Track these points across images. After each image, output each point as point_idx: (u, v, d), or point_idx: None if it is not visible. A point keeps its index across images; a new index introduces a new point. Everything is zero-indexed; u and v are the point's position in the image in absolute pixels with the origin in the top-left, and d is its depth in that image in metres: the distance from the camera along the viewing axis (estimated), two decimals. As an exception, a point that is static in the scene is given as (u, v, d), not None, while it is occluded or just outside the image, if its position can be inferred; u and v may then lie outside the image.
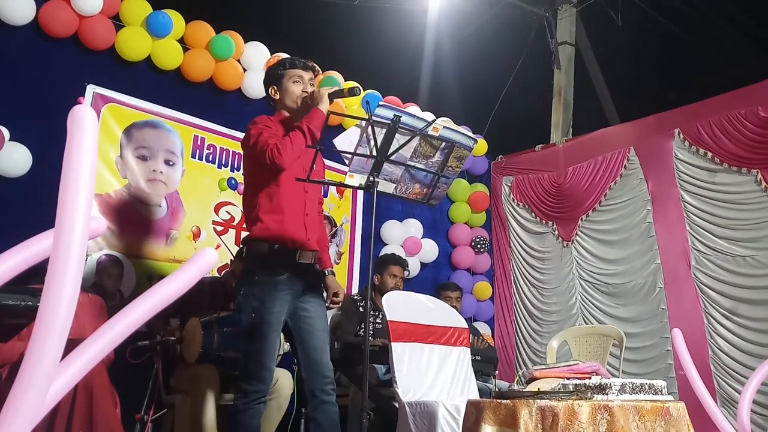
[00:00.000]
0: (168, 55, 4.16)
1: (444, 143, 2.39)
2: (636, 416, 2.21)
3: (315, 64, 2.87)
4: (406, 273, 4.45)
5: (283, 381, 3.43)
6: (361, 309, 3.93)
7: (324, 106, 2.64)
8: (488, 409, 2.23)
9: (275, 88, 2.83)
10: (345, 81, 4.94)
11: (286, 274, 2.64)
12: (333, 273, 2.92)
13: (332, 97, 2.67)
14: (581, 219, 5.35)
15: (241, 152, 4.48)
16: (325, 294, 2.85)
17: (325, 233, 3.02)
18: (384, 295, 3.30)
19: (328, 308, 2.86)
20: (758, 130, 4.25)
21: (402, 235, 5.31)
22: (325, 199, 4.06)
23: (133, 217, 4.00)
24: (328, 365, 2.69)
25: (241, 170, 3.05)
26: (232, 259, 3.82)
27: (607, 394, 2.26)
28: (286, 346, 3.37)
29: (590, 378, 2.45)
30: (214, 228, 4.34)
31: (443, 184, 2.52)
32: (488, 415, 2.22)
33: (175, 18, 4.15)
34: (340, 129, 4.18)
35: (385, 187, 2.44)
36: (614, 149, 5.17)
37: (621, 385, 2.31)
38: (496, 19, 6.51)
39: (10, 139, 3.53)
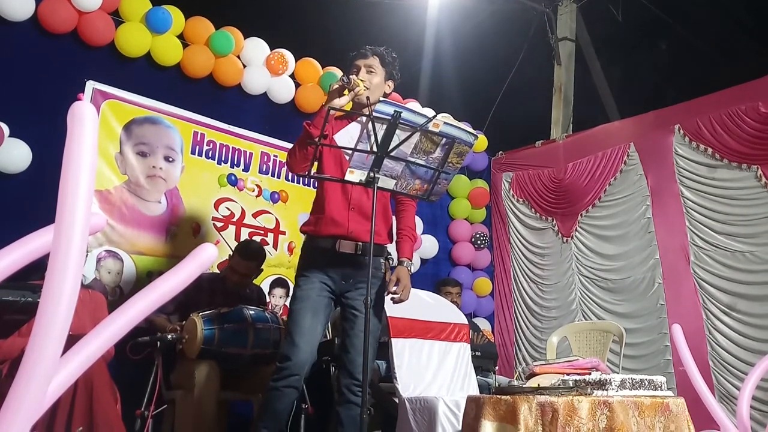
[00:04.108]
0: (168, 51, 4.15)
1: (444, 139, 2.39)
2: (636, 412, 2.22)
3: (375, 48, 2.80)
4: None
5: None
6: None
7: (328, 102, 2.61)
8: (488, 404, 2.24)
9: None
10: (345, 77, 4.93)
11: (321, 261, 2.66)
12: (406, 263, 2.72)
13: (335, 92, 2.64)
14: (581, 215, 5.35)
15: (242, 149, 4.53)
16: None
17: (406, 222, 2.85)
18: None
19: (391, 297, 2.71)
20: (758, 125, 4.24)
21: (402, 231, 5.31)
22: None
23: (132, 214, 4.00)
24: (361, 367, 2.59)
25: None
26: (231, 254, 3.82)
27: (606, 390, 2.27)
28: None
29: (590, 374, 2.45)
30: (213, 224, 4.34)
31: (443, 180, 2.52)
32: (488, 410, 2.22)
33: (174, 14, 4.15)
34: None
35: (385, 183, 2.44)
36: (614, 145, 5.16)
37: (621, 381, 2.31)
38: (496, 14, 6.49)
39: (9, 136, 3.53)
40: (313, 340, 2.59)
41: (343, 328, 2.74)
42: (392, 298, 2.70)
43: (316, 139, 2.50)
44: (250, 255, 3.65)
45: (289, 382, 2.55)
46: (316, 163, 2.70)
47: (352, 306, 2.69)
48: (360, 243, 2.68)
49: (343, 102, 2.62)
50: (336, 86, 2.62)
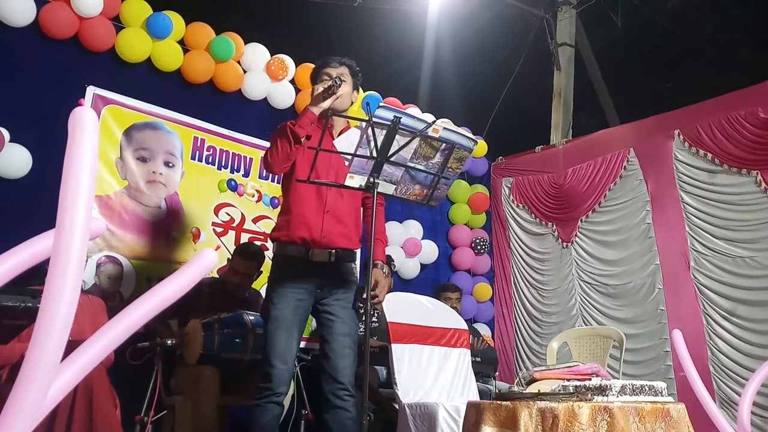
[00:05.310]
0: (168, 56, 4.16)
1: (444, 144, 2.39)
2: (636, 418, 2.21)
3: (348, 59, 2.84)
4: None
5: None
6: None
7: (314, 104, 2.63)
8: (488, 410, 2.23)
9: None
10: (345, 82, 4.94)
11: (295, 273, 2.65)
12: (380, 266, 2.75)
13: (324, 93, 2.65)
14: (581, 220, 5.35)
15: (242, 154, 4.53)
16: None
17: (379, 225, 2.86)
18: None
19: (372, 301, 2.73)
20: (758, 131, 4.24)
21: (402, 236, 5.31)
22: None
23: (132, 219, 4.00)
24: (345, 371, 2.65)
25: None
26: (230, 257, 3.82)
27: (607, 396, 2.26)
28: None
29: (590, 379, 2.45)
30: (213, 229, 4.34)
31: (443, 186, 2.52)
32: (488, 416, 2.22)
33: (175, 19, 4.16)
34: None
35: (385, 188, 2.44)
36: (614, 150, 5.17)
37: (621, 387, 2.31)
38: (495, 20, 6.51)
39: (10, 141, 3.53)
40: (290, 357, 2.64)
41: (321, 336, 2.74)
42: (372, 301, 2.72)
43: (303, 140, 2.59)
44: (250, 255, 3.66)
45: (271, 400, 2.60)
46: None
47: (329, 312, 2.70)
48: (333, 250, 2.69)
49: (327, 105, 2.63)
50: (322, 89, 2.63)
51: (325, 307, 2.70)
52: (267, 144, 4.61)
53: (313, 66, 2.97)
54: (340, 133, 2.72)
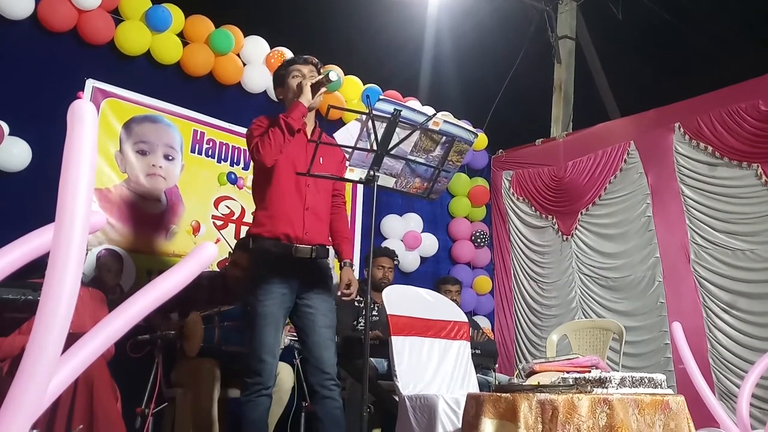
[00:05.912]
0: (167, 49, 4.15)
1: (444, 137, 2.39)
2: (635, 410, 2.22)
3: (314, 58, 2.89)
4: (395, 262, 4.47)
5: (283, 375, 3.44)
6: (356, 303, 3.93)
7: (305, 97, 2.66)
8: (488, 402, 2.24)
9: (279, 89, 2.91)
10: (345, 75, 4.93)
11: (278, 269, 2.66)
12: (350, 264, 2.88)
13: (315, 87, 2.68)
14: (581, 213, 5.35)
15: (242, 147, 4.53)
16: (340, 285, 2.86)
17: (344, 224, 2.99)
18: (375, 286, 3.30)
19: (342, 299, 2.85)
20: (758, 124, 4.24)
21: (402, 229, 5.32)
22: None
23: (132, 212, 4.00)
24: (330, 361, 2.70)
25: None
26: (231, 251, 3.82)
27: (606, 388, 2.27)
28: (286, 341, 3.39)
29: (590, 371, 2.45)
30: (213, 222, 4.34)
31: (443, 179, 2.52)
32: (488, 408, 2.22)
33: (174, 12, 4.14)
34: (340, 123, 4.17)
35: (385, 181, 2.44)
36: (614, 143, 5.16)
37: (621, 379, 2.31)
38: (496, 13, 6.49)
39: (9, 134, 3.53)
40: (277, 351, 2.69)
41: (301, 329, 2.77)
42: (344, 299, 2.85)
43: (295, 131, 2.63)
44: None
45: (261, 393, 2.62)
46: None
47: (309, 305, 2.74)
48: (314, 246, 2.73)
49: (314, 99, 2.70)
50: (311, 83, 2.67)
51: (305, 301, 2.74)
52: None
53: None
54: (312, 132, 2.83)
